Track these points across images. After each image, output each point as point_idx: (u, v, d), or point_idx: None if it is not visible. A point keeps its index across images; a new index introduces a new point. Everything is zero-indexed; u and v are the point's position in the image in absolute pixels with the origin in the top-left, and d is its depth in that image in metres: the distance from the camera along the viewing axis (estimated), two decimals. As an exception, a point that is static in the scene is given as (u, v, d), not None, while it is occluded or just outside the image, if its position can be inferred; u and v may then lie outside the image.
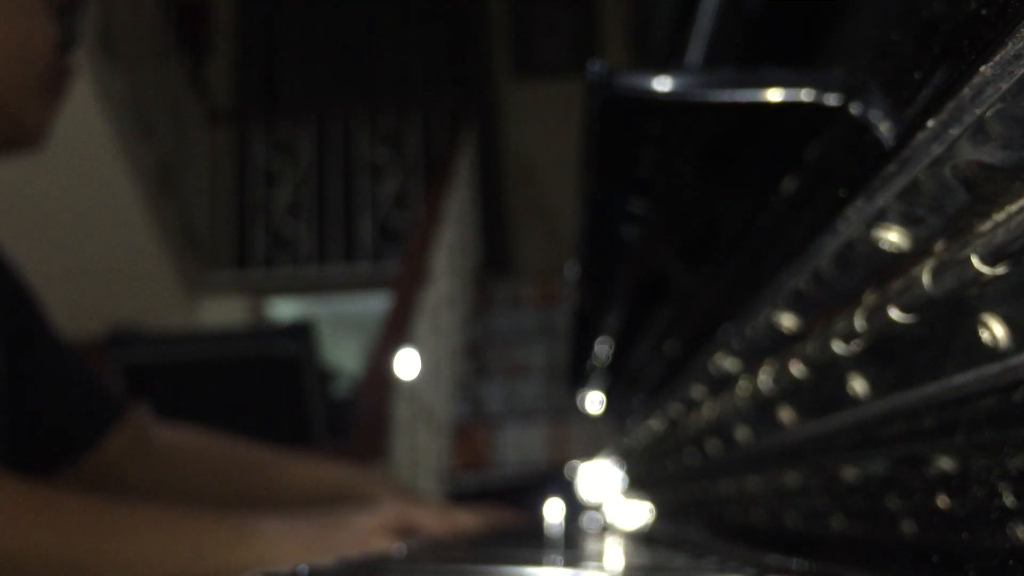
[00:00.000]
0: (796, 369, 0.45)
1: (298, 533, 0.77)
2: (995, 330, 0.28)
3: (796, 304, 0.47)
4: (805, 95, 0.41)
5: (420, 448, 2.92)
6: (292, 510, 0.83)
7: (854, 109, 0.39)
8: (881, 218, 0.35)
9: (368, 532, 0.80)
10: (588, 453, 1.50)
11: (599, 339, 0.93)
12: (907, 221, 0.34)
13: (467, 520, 0.94)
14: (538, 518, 1.37)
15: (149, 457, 0.98)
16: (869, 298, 0.36)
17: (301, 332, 2.61)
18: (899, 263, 0.34)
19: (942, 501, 0.32)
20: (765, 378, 0.50)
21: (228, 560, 0.73)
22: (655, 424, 0.92)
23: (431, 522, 0.86)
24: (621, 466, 1.29)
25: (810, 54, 0.47)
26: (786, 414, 0.51)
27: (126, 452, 0.96)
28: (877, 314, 0.35)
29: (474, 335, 4.21)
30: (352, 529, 0.80)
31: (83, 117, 3.47)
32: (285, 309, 5.04)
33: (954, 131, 0.29)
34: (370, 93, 5.48)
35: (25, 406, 0.86)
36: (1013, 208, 0.26)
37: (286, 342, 2.59)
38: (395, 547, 0.71)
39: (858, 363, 0.40)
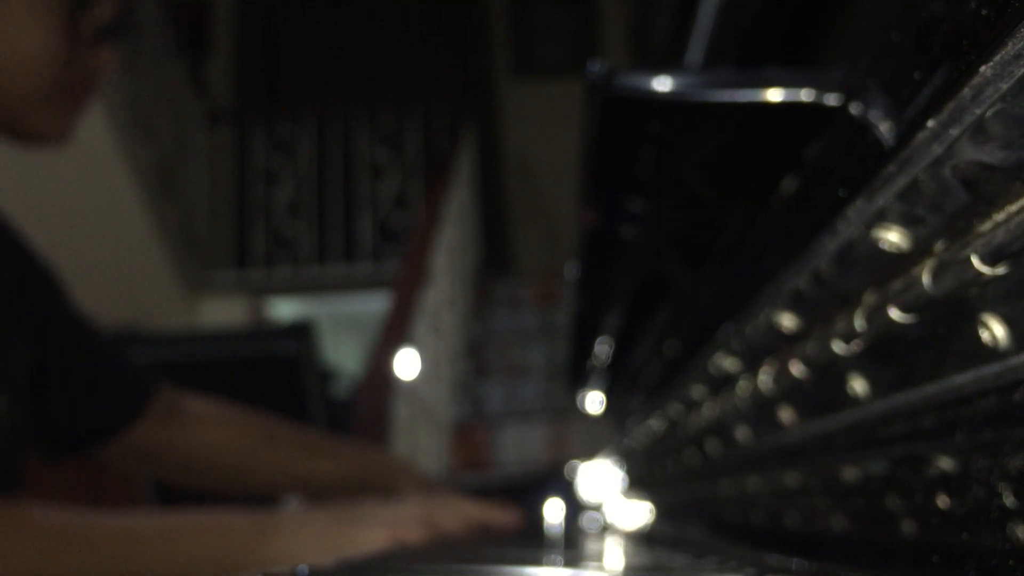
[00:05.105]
0: (796, 369, 0.45)
1: (318, 526, 0.78)
2: (995, 330, 0.28)
3: (796, 304, 0.47)
4: (805, 95, 0.41)
5: (420, 448, 2.92)
6: (313, 503, 0.83)
7: (854, 109, 0.39)
8: (881, 218, 0.35)
9: (390, 526, 0.79)
10: (588, 453, 1.50)
11: (599, 339, 0.93)
12: (907, 221, 0.34)
13: (489, 517, 0.90)
14: (538, 518, 1.36)
15: (183, 428, 1.02)
16: (869, 298, 0.36)
17: (301, 332, 2.60)
18: (899, 263, 0.34)
19: (942, 501, 0.32)
20: (765, 378, 0.50)
21: (250, 557, 0.74)
22: (655, 424, 0.92)
23: (453, 523, 0.83)
24: (621, 466, 1.29)
25: (810, 54, 0.47)
26: (786, 414, 0.51)
27: (161, 424, 1.00)
28: (877, 314, 0.35)
29: (474, 335, 4.21)
30: (374, 523, 0.79)
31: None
32: (285, 309, 5.04)
33: (954, 131, 0.29)
34: (370, 93, 5.48)
35: (60, 390, 0.90)
36: (1013, 208, 0.26)
37: (286, 342, 2.58)
38: (395, 547, 0.71)
39: (858, 363, 0.40)
